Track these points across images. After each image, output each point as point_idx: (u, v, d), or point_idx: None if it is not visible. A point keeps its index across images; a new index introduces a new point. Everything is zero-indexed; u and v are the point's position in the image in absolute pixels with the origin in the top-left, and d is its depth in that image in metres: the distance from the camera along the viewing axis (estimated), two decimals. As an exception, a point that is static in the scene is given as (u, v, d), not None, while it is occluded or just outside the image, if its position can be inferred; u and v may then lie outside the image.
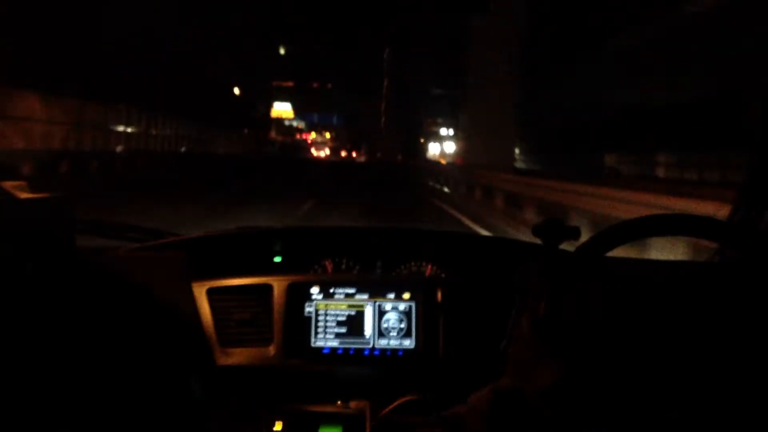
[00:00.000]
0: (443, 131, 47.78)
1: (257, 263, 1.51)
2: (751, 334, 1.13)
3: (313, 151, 58.51)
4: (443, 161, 42.31)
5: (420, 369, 1.39)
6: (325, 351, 1.39)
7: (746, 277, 1.23)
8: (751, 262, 1.21)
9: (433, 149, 48.78)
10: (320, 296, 1.42)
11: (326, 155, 58.28)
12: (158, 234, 1.54)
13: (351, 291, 1.43)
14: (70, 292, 1.33)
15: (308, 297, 1.42)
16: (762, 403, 1.06)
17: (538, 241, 1.54)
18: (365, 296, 1.43)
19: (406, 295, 1.43)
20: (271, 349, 1.37)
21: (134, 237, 1.51)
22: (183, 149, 31.56)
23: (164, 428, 1.28)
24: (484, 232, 8.47)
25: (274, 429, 1.30)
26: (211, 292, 1.40)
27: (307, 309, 1.41)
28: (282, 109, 54.78)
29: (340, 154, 62.34)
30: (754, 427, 1.05)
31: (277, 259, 1.55)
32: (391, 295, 1.43)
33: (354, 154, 60.65)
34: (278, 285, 1.42)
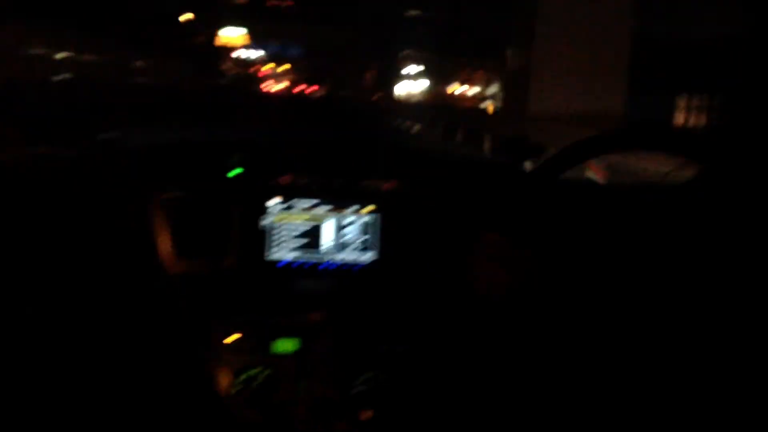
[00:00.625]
0: (411, 69, 42.01)
1: (212, 172, 1.46)
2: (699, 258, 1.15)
3: (266, 85, 50.96)
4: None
5: (378, 283, 1.39)
6: (279, 264, 1.37)
7: (701, 196, 1.25)
8: (708, 177, 1.22)
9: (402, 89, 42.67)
10: (278, 208, 1.39)
11: (280, 90, 50.60)
12: (103, 143, 1.48)
13: (311, 203, 1.40)
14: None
15: (265, 209, 1.39)
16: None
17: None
18: (327, 208, 1.40)
19: (369, 208, 1.41)
20: (226, 262, 1.35)
21: (77, 145, 1.44)
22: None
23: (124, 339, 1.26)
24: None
25: (230, 340, 1.29)
26: (164, 203, 1.36)
27: (264, 221, 1.38)
28: (232, 35, 46.31)
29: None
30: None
31: (236, 171, 1.50)
32: (354, 208, 1.41)
33: (312, 89, 56.41)
34: (234, 195, 1.38)
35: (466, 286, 1.31)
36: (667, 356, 1.07)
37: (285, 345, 1.29)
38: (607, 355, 1.15)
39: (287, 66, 59.29)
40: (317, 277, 1.38)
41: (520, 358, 1.24)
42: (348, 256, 1.39)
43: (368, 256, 1.39)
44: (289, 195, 1.40)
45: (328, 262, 1.39)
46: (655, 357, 1.09)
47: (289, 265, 1.37)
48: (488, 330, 1.24)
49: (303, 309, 1.33)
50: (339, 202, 1.41)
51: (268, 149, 1.64)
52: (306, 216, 1.39)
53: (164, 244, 1.33)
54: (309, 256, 1.38)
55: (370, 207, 1.41)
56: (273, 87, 50.22)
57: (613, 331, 1.17)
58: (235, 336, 1.29)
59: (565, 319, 1.18)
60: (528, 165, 1.52)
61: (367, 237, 1.40)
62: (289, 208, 1.39)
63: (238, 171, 1.45)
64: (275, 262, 1.37)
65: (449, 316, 1.31)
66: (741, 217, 1.07)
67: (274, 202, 1.38)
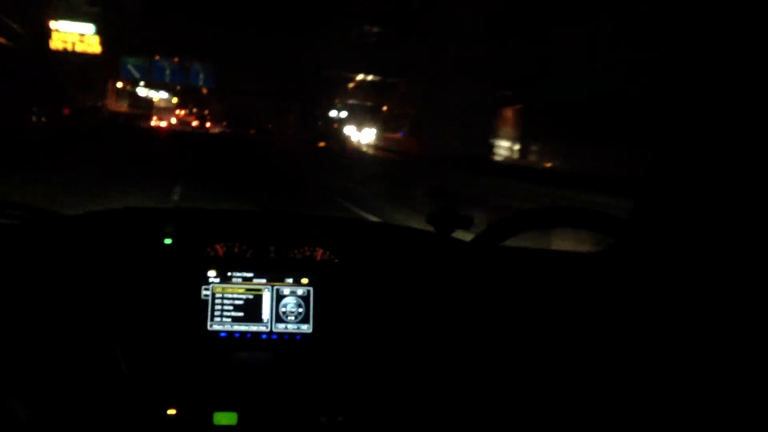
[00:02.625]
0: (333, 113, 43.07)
1: (147, 244, 1.45)
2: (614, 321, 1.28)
3: (154, 120, 45.98)
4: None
5: (316, 353, 1.41)
6: (222, 335, 1.37)
7: (616, 267, 1.38)
8: (622, 252, 1.36)
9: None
10: (217, 279, 1.40)
11: (169, 125, 46.93)
12: (41, 212, 1.43)
13: (249, 275, 1.42)
14: None
15: (205, 280, 1.39)
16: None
17: (430, 228, 1.62)
18: (263, 280, 1.42)
19: (305, 280, 1.44)
20: (166, 333, 1.33)
21: (13, 214, 1.39)
22: None
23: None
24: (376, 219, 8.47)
25: (168, 414, 1.26)
26: (101, 274, 1.33)
27: (204, 292, 1.38)
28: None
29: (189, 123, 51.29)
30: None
31: (168, 241, 1.50)
32: (290, 280, 1.44)
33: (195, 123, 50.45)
34: (173, 268, 1.38)
35: (402, 353, 1.36)
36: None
37: (225, 418, 1.28)
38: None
39: (175, 100, 54.79)
40: (258, 348, 1.38)
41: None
42: (288, 326, 1.41)
43: (306, 327, 1.42)
44: (225, 266, 1.42)
45: (267, 332, 1.40)
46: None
47: (231, 335, 1.38)
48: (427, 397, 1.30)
49: (244, 380, 1.33)
50: (275, 274, 1.43)
51: (201, 219, 1.64)
52: (244, 287, 1.41)
53: (108, 315, 1.30)
54: (250, 327, 1.39)
55: (305, 279, 1.44)
56: (161, 122, 46.16)
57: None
58: (173, 411, 1.26)
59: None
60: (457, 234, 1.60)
61: (302, 309, 1.43)
62: (228, 279, 1.40)
63: (170, 240, 1.45)
64: (217, 333, 1.37)
65: (385, 386, 1.35)
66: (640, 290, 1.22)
67: (213, 273, 1.39)
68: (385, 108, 40.51)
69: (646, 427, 1.16)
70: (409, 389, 1.35)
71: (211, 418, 1.27)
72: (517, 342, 1.34)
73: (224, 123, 49.52)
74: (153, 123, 45.34)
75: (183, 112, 56.80)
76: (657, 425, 1.15)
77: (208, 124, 51.26)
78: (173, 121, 50.80)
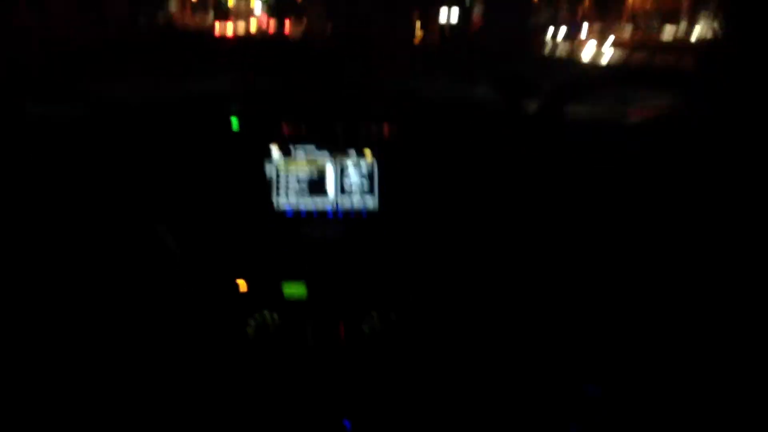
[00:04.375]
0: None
1: (214, 127, 1.47)
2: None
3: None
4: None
5: (382, 229, 1.41)
6: (288, 212, 1.40)
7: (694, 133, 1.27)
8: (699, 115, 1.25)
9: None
10: (281, 157, 1.41)
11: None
12: (109, 100, 1.47)
13: (312, 150, 1.42)
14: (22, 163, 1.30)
15: (269, 158, 1.41)
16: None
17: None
18: (326, 155, 1.42)
19: (368, 155, 1.43)
20: (234, 212, 1.38)
21: (83, 104, 1.43)
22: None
23: (140, 286, 1.30)
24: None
25: (243, 286, 1.33)
26: (169, 157, 1.38)
27: (269, 170, 1.40)
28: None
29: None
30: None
31: (235, 123, 1.51)
32: (353, 154, 1.43)
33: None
34: (238, 146, 1.40)
35: (466, 235, 1.34)
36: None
37: (295, 289, 1.34)
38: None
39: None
40: (323, 223, 1.41)
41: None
42: (353, 201, 1.42)
43: (372, 202, 1.42)
44: (289, 142, 1.42)
45: (332, 208, 1.42)
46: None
47: (298, 213, 1.40)
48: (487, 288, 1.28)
49: (311, 255, 1.37)
50: (338, 148, 1.42)
51: (265, 97, 1.64)
52: (307, 163, 1.42)
53: (176, 196, 1.36)
54: (314, 203, 1.41)
55: (368, 153, 1.43)
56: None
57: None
58: (243, 283, 1.33)
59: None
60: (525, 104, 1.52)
61: (366, 183, 1.42)
62: (290, 155, 1.41)
63: (236, 121, 1.46)
64: (284, 212, 1.40)
65: (449, 266, 1.35)
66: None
67: (276, 150, 1.41)
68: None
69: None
70: (468, 271, 1.35)
71: (281, 289, 1.33)
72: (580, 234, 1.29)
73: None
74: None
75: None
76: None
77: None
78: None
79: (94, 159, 1.35)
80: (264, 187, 1.39)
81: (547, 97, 1.30)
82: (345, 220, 1.41)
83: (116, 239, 1.30)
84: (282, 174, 1.40)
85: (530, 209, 1.35)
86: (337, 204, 1.41)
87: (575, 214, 1.32)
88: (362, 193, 1.42)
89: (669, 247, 1.22)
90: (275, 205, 1.39)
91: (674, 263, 1.22)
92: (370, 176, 1.42)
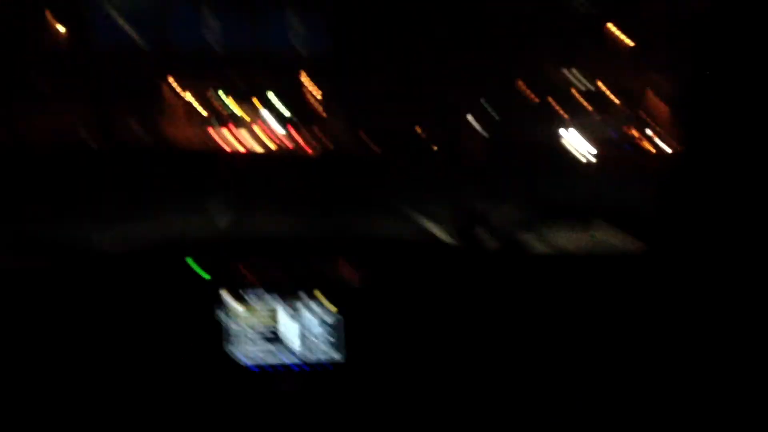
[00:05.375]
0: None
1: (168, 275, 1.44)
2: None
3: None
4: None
5: (350, 383, 1.36)
6: (253, 369, 1.35)
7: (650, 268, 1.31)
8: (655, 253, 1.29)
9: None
10: (238, 305, 1.36)
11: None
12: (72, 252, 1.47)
13: (272, 298, 1.37)
14: None
15: (223, 304, 1.35)
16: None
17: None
18: (281, 301, 1.37)
19: (331, 307, 1.38)
20: (191, 363, 1.32)
21: (47, 256, 1.43)
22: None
23: None
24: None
25: None
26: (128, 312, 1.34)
27: (224, 316, 1.35)
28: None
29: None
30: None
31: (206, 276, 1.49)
32: (317, 307, 1.38)
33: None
34: (193, 294, 1.36)
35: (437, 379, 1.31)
36: None
37: None
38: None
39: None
40: (291, 379, 1.35)
41: None
42: (319, 356, 1.36)
43: (339, 356, 1.36)
44: (252, 290, 1.37)
45: (292, 361, 1.36)
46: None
47: (263, 370, 1.35)
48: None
49: (275, 410, 1.31)
50: (297, 294, 1.38)
51: (220, 246, 1.63)
52: (269, 313, 1.36)
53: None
54: (281, 357, 1.36)
55: (333, 308, 1.38)
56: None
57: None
58: None
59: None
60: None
61: (334, 337, 1.37)
62: (248, 303, 1.36)
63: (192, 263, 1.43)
64: (247, 367, 1.34)
65: (419, 411, 1.29)
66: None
67: (229, 297, 1.36)
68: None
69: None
70: (443, 413, 1.30)
71: None
72: (552, 354, 1.29)
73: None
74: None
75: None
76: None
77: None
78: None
79: (50, 308, 1.31)
80: (219, 337, 1.34)
81: (503, 233, 1.34)
82: (309, 373, 1.35)
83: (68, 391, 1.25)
84: (240, 323, 1.35)
85: (500, 343, 1.34)
86: (300, 357, 1.36)
87: (542, 345, 1.32)
88: (327, 343, 1.36)
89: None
90: (236, 358, 1.34)
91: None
92: (335, 326, 1.37)
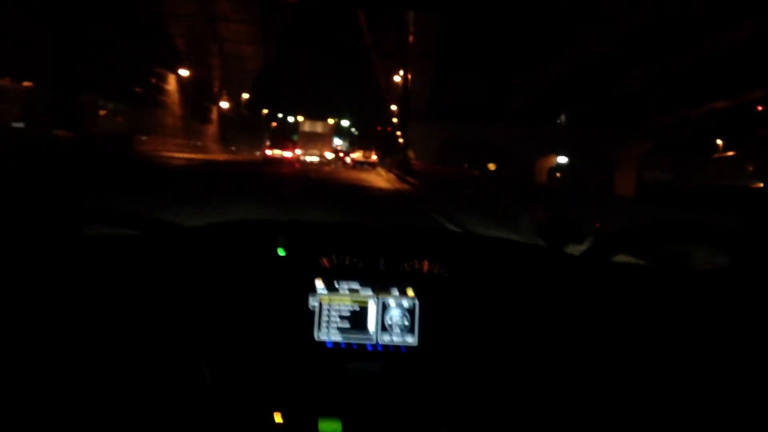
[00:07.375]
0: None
1: (261, 255, 1.52)
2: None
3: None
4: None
5: (421, 367, 1.40)
6: (328, 345, 1.40)
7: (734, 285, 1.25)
8: (744, 271, 1.24)
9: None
10: (324, 290, 1.43)
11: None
12: (162, 224, 1.55)
13: (355, 286, 1.44)
14: (78, 278, 1.35)
15: (312, 290, 1.43)
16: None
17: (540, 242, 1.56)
18: (369, 291, 1.44)
19: (410, 292, 1.44)
20: (275, 342, 1.39)
21: (138, 226, 1.51)
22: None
23: (173, 413, 1.29)
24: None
25: (278, 419, 1.31)
26: (216, 282, 1.41)
27: (312, 302, 1.42)
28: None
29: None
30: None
31: (281, 252, 1.56)
32: (395, 291, 1.44)
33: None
34: (283, 277, 1.44)
35: (507, 368, 1.32)
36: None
37: (330, 425, 1.30)
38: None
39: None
40: (364, 358, 1.40)
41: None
42: (393, 338, 1.41)
43: (411, 340, 1.41)
44: (333, 276, 1.45)
45: (372, 344, 1.41)
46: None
47: (338, 346, 1.40)
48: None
49: (349, 390, 1.35)
50: (381, 285, 1.45)
51: (313, 231, 1.70)
52: (350, 298, 1.43)
53: (217, 325, 1.38)
54: (355, 338, 1.41)
55: (410, 291, 1.44)
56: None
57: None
58: (279, 416, 1.31)
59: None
60: (569, 248, 1.53)
61: (407, 321, 1.42)
62: (335, 289, 1.44)
63: (283, 252, 1.50)
64: (324, 343, 1.40)
65: (487, 401, 1.31)
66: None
67: (321, 284, 1.43)
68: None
69: None
70: (511, 404, 1.31)
71: (316, 424, 1.31)
72: (621, 360, 1.27)
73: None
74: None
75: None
76: None
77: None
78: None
79: (141, 277, 1.40)
80: (306, 318, 1.40)
81: (592, 247, 1.32)
82: (384, 355, 1.40)
83: (154, 361, 1.31)
84: (325, 307, 1.42)
85: (563, 348, 1.34)
86: (377, 340, 1.41)
87: (611, 352, 1.30)
88: (403, 330, 1.42)
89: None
90: (316, 337, 1.40)
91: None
92: (411, 314, 1.42)
